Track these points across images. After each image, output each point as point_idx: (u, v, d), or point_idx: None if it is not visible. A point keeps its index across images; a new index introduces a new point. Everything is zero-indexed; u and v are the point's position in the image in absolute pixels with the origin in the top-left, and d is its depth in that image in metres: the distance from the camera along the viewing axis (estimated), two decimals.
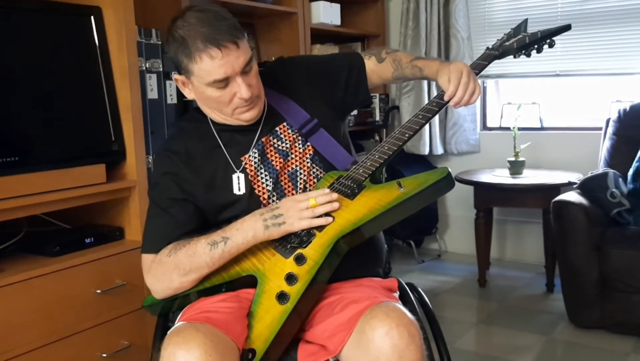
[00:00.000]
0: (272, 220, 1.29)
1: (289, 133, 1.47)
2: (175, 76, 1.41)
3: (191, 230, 1.37)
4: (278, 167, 1.44)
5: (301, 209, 1.28)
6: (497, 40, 1.56)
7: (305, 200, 1.29)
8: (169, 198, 1.40)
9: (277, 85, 1.51)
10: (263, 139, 1.45)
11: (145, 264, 1.39)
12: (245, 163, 1.43)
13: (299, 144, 1.47)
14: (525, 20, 1.56)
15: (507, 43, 1.52)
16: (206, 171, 1.42)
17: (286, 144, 1.46)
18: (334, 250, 1.27)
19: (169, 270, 1.33)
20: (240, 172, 1.42)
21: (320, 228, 1.30)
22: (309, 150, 1.47)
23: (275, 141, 1.46)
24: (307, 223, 1.28)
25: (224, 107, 1.38)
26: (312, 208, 1.29)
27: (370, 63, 1.59)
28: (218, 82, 1.32)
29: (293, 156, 1.46)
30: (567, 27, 1.50)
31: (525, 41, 1.49)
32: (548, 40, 1.49)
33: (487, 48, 1.54)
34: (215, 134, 1.45)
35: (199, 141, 1.45)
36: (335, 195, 1.31)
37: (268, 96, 1.48)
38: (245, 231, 1.29)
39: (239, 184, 1.41)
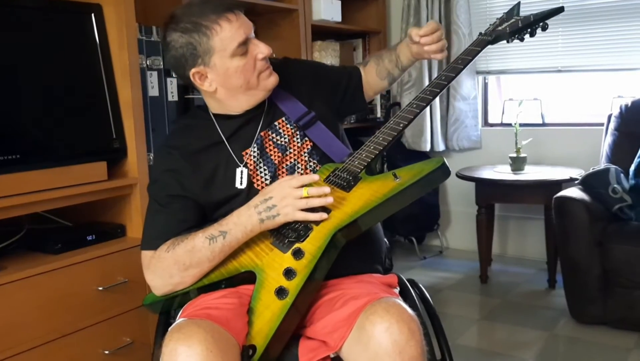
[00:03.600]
0: (266, 213, 1.28)
1: (287, 128, 1.48)
2: (192, 71, 1.39)
3: (190, 227, 1.38)
4: (276, 162, 1.45)
5: (295, 199, 1.27)
6: (490, 25, 1.53)
7: (299, 189, 1.28)
8: (168, 194, 1.40)
9: (280, 81, 1.52)
10: (262, 134, 1.46)
11: (144, 261, 1.39)
12: (247, 158, 1.44)
13: (297, 138, 1.48)
14: (518, 4, 1.52)
15: (499, 28, 1.50)
16: (207, 166, 1.43)
17: (285, 138, 1.47)
18: (331, 243, 1.27)
19: (168, 266, 1.33)
20: (243, 166, 1.43)
21: (317, 221, 1.30)
22: (307, 144, 1.48)
23: (274, 135, 1.47)
24: (301, 215, 1.27)
25: (251, 77, 1.40)
26: (306, 199, 1.27)
27: (363, 73, 1.63)
28: (241, 45, 1.36)
29: (291, 150, 1.47)
30: (559, 10, 1.47)
31: (518, 25, 1.47)
32: (541, 24, 1.47)
33: (480, 34, 1.52)
34: (218, 129, 1.46)
35: (200, 137, 1.46)
36: (327, 189, 1.29)
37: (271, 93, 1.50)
38: (243, 225, 1.30)
39: (241, 178, 1.42)
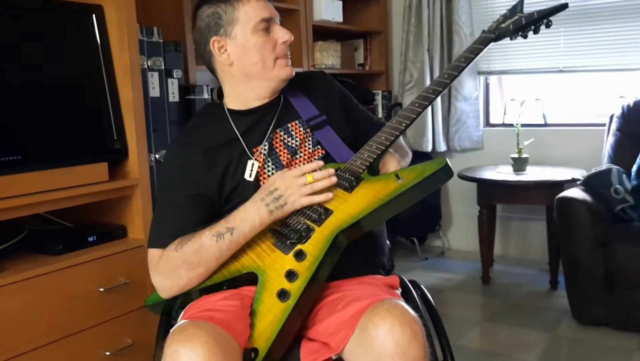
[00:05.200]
0: (274, 204, 1.29)
1: (300, 131, 1.49)
2: (213, 39, 1.43)
3: (200, 224, 1.37)
4: (285, 162, 1.45)
5: (299, 186, 1.29)
6: (493, 22, 1.52)
7: (302, 176, 1.30)
8: (180, 192, 1.40)
9: (303, 85, 1.54)
10: (273, 133, 1.47)
11: (152, 261, 1.38)
12: (257, 154, 1.44)
13: (308, 144, 1.48)
14: (522, 1, 1.51)
15: (503, 25, 1.48)
16: (221, 162, 1.43)
17: (296, 141, 1.48)
18: (333, 245, 1.26)
19: (177, 266, 1.32)
20: (255, 159, 1.44)
21: (320, 222, 1.30)
22: (319, 152, 1.48)
23: (285, 136, 1.48)
24: (307, 200, 1.29)
25: (268, 57, 1.42)
26: (310, 184, 1.29)
27: None
28: (264, 22, 1.40)
29: (301, 154, 1.47)
30: (563, 6, 1.46)
31: (522, 22, 1.45)
32: (545, 21, 1.45)
33: (483, 31, 1.50)
34: (233, 125, 1.46)
35: (215, 134, 1.46)
36: (331, 170, 1.31)
37: (289, 93, 1.52)
38: (251, 219, 1.30)
39: (251, 170, 1.43)
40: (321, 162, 1.36)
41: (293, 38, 1.46)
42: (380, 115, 3.94)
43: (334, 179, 1.31)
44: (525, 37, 1.48)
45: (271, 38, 1.43)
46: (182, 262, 1.32)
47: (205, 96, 2.49)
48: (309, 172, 1.31)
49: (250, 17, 1.40)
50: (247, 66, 1.44)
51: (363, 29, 3.94)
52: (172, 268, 1.33)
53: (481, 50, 1.46)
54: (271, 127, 1.47)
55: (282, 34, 1.44)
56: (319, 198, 1.30)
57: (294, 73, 1.48)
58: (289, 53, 1.47)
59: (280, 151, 1.46)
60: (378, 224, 1.46)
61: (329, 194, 1.30)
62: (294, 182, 1.30)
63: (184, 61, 2.48)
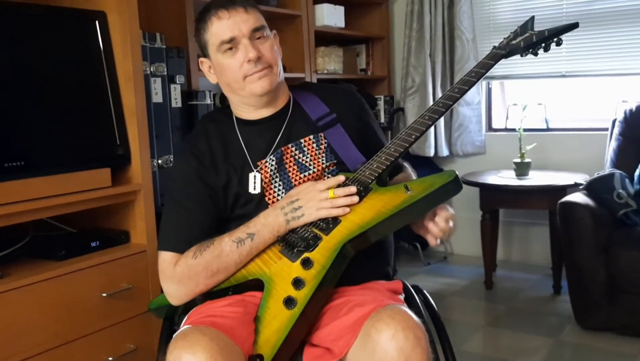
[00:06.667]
0: (292, 213, 1.31)
1: (312, 147, 1.47)
2: (199, 59, 1.48)
3: (209, 231, 1.37)
4: (293, 180, 1.44)
5: (320, 200, 1.30)
6: (504, 39, 1.52)
7: (325, 191, 1.31)
8: (191, 196, 1.40)
9: (319, 91, 1.54)
10: (283, 148, 1.45)
11: (165, 267, 1.36)
12: (261, 168, 1.43)
13: (322, 159, 1.46)
14: (532, 18, 1.51)
15: (513, 42, 1.48)
16: (225, 171, 1.43)
17: (307, 157, 1.46)
18: (340, 254, 1.27)
19: (196, 273, 1.32)
20: (257, 171, 1.43)
21: (327, 231, 1.30)
22: (331, 166, 1.46)
23: (296, 152, 1.46)
24: (325, 212, 1.30)
25: (236, 76, 1.41)
26: (331, 199, 1.30)
27: None
28: (225, 43, 1.38)
29: (313, 170, 1.45)
30: (574, 25, 1.46)
31: (533, 40, 1.45)
32: (555, 39, 1.45)
33: (494, 47, 1.51)
34: (238, 133, 1.46)
35: (220, 142, 1.46)
36: (354, 188, 1.32)
37: (299, 96, 1.51)
38: (271, 226, 1.32)
39: (254, 183, 1.42)
40: (342, 178, 1.36)
41: (260, 55, 1.38)
42: (382, 120, 3.94)
43: (355, 198, 1.31)
44: (535, 54, 1.48)
45: (238, 58, 1.39)
46: (203, 269, 1.32)
47: (208, 101, 2.50)
48: (333, 187, 1.32)
49: (214, 40, 1.40)
50: (227, 84, 1.45)
51: (365, 35, 3.94)
52: (191, 276, 1.33)
53: (492, 65, 1.47)
54: (277, 141, 1.45)
55: (244, 53, 1.37)
56: (336, 212, 1.30)
57: (272, 85, 1.41)
58: (262, 66, 1.39)
59: (290, 167, 1.45)
60: (386, 235, 1.46)
61: (346, 209, 1.30)
62: (316, 195, 1.31)
63: (187, 66, 2.48)
